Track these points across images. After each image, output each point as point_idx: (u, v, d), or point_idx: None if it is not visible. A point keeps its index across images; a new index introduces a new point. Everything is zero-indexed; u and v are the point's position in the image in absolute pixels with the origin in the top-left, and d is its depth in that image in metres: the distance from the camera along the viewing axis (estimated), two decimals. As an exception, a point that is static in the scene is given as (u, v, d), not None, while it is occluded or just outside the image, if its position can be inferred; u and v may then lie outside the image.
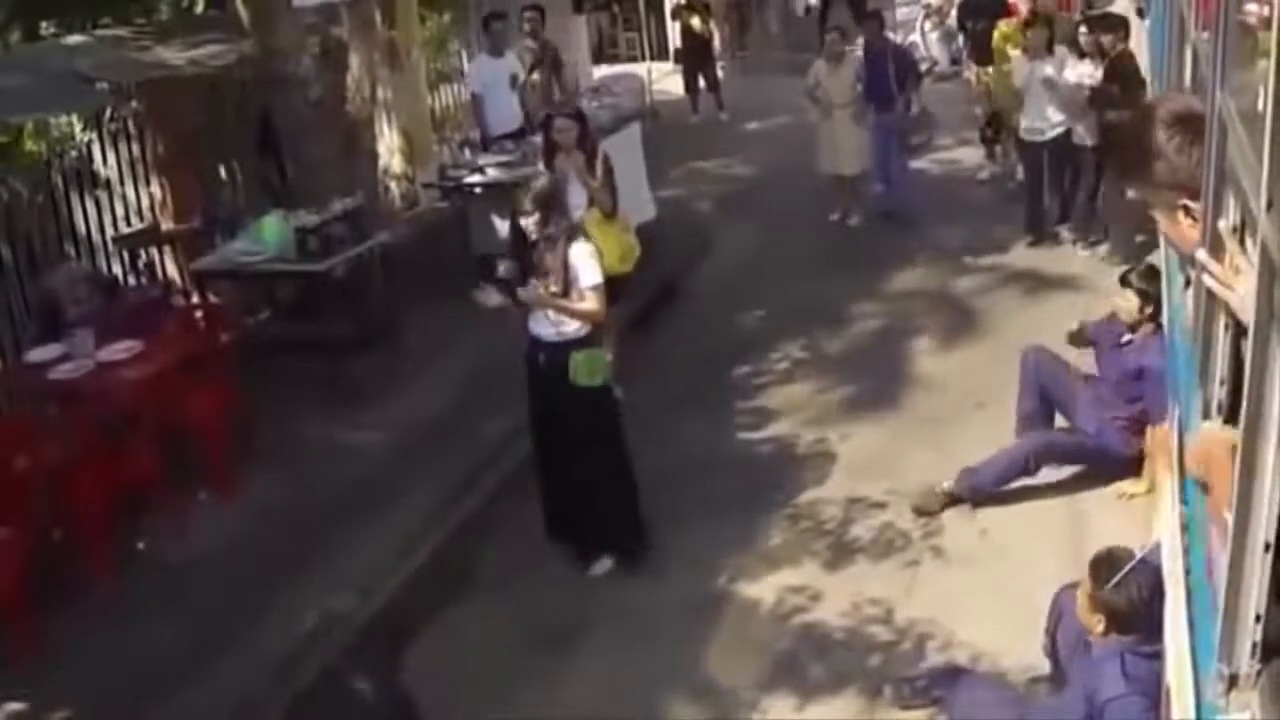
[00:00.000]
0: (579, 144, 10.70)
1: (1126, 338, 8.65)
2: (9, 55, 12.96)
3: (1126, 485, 8.80)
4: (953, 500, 8.91)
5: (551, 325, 8.02)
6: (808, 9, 27.13)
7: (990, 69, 16.42)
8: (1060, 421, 9.14)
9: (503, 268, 8.29)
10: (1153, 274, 8.30)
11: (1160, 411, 8.10)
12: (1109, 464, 8.95)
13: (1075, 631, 6.27)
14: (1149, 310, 8.32)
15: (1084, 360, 9.28)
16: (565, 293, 7.89)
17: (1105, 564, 5.99)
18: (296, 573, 8.46)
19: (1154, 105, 4.90)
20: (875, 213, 15.20)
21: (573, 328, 8.00)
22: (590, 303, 7.93)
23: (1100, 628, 5.93)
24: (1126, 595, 5.82)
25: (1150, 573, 5.59)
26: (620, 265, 10.66)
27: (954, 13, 22.44)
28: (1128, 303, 8.56)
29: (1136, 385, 8.52)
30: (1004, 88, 15.23)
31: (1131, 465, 8.85)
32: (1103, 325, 9.01)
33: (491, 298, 8.00)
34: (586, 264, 7.86)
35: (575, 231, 7.98)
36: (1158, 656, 5.13)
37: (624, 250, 10.81)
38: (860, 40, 15.45)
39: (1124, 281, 8.72)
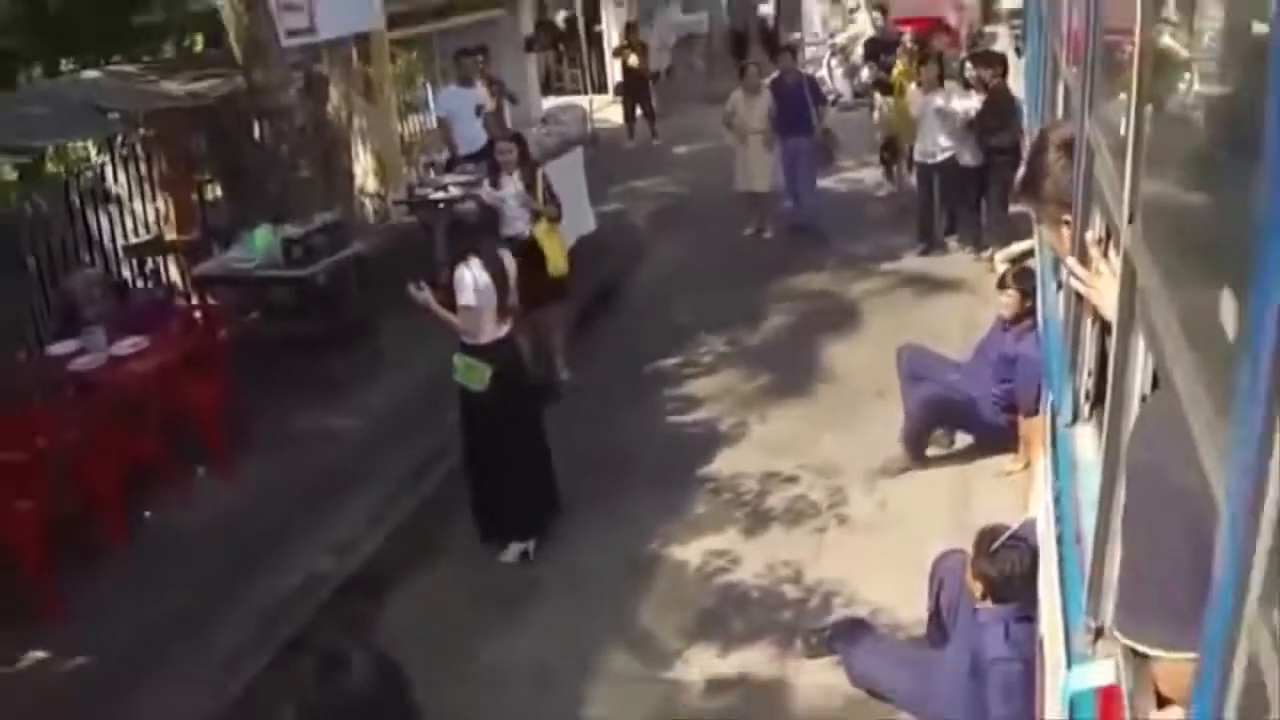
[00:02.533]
0: (520, 164, 10.68)
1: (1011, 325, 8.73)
2: (32, 88, 12.91)
3: (1006, 463, 8.88)
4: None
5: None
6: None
7: (890, 99, 16.49)
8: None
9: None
10: (1027, 275, 8.37)
11: (1027, 397, 8.22)
12: (981, 428, 9.12)
13: (958, 595, 6.30)
14: (1028, 305, 8.39)
15: (962, 351, 9.38)
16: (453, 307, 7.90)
17: (987, 537, 6.03)
18: (283, 540, 8.45)
19: (1047, 132, 4.93)
20: (785, 226, 15.21)
21: (464, 335, 7.97)
22: (460, 318, 7.88)
23: (980, 594, 5.97)
24: (1001, 566, 5.85)
25: (1028, 548, 5.63)
26: (564, 267, 10.83)
27: (859, 50, 22.60)
28: (1009, 299, 8.63)
29: (1009, 368, 8.59)
30: (901, 116, 15.28)
31: (1003, 439, 8.96)
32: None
33: (420, 296, 7.95)
34: (464, 287, 7.80)
35: (466, 256, 7.88)
36: (1034, 622, 5.15)
37: (558, 254, 10.84)
38: (774, 73, 15.43)
39: (1002, 284, 8.80)
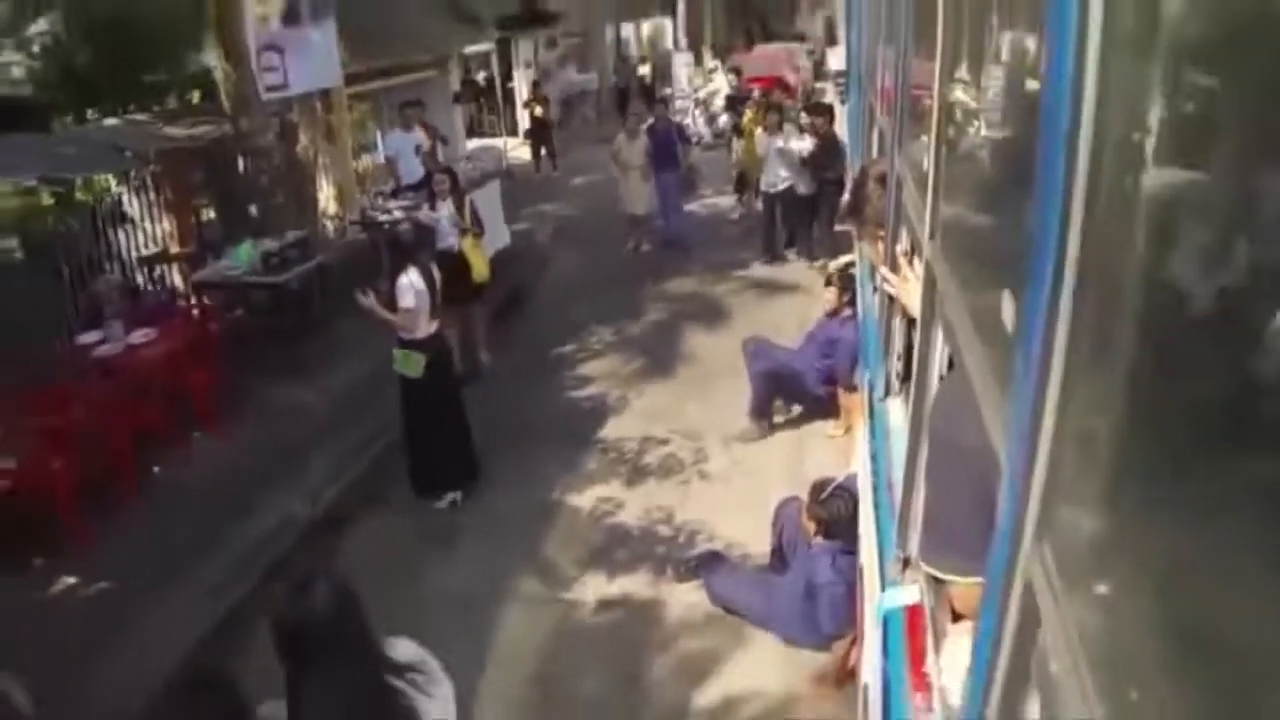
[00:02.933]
0: (451, 192, 10.60)
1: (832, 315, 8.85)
2: (64, 133, 12.98)
3: (829, 429, 8.99)
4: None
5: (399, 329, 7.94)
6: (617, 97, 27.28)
7: (742, 141, 16.63)
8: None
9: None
10: (846, 276, 8.49)
11: (845, 371, 8.36)
12: (808, 398, 9.23)
13: (795, 534, 6.34)
14: (845, 299, 8.53)
15: (795, 339, 9.44)
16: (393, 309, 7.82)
17: (819, 487, 6.09)
18: (263, 488, 8.41)
19: (866, 168, 4.97)
20: (659, 241, 15.20)
21: (402, 331, 7.87)
22: (399, 317, 7.78)
23: (814, 532, 6.01)
24: (831, 510, 5.90)
25: (851, 497, 5.69)
26: (486, 274, 10.84)
27: (718, 102, 22.70)
28: (831, 295, 8.76)
29: (832, 348, 8.73)
30: (750, 155, 15.36)
31: (826, 409, 9.13)
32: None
33: (365, 301, 7.85)
34: (404, 292, 7.71)
35: (405, 267, 7.79)
36: (856, 554, 5.20)
37: (486, 264, 10.95)
38: (650, 120, 15.43)
39: (827, 283, 8.91)
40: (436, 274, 8.12)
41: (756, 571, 6.88)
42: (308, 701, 2.99)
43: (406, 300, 7.71)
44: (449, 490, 8.33)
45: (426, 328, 7.92)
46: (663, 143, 14.92)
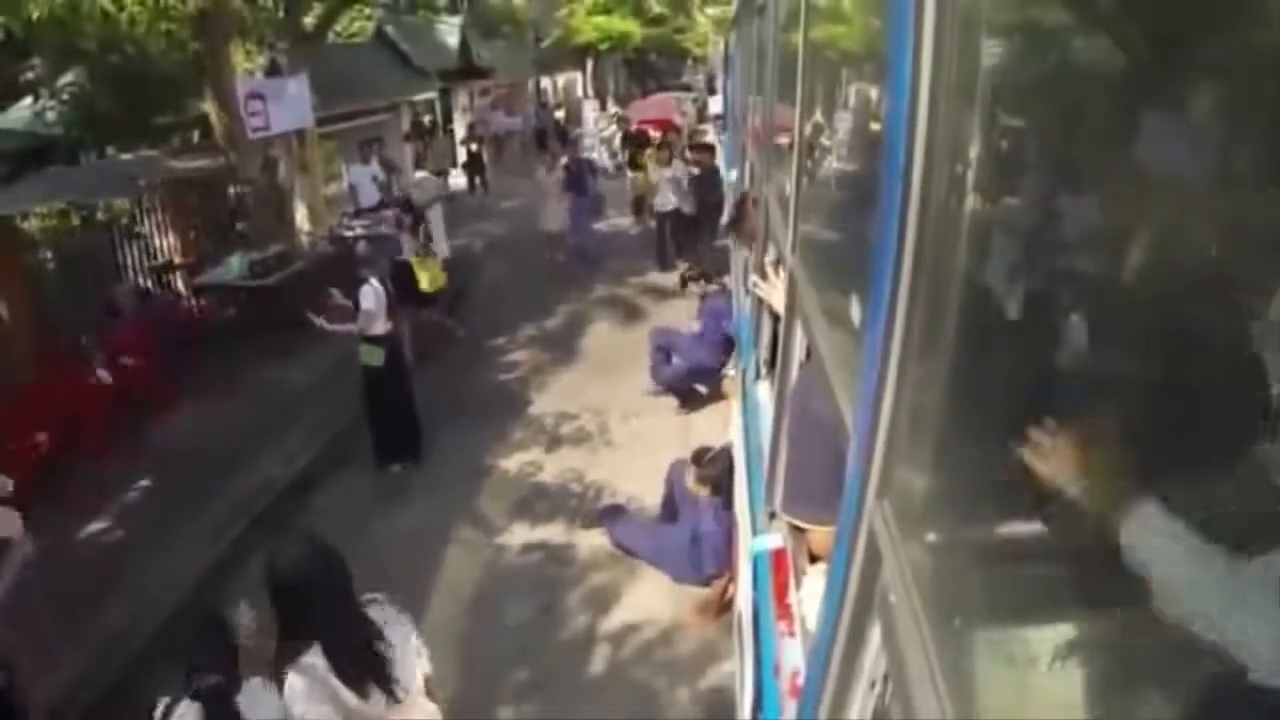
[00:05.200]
0: (413, 225, 10.96)
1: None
2: (90, 165, 13.10)
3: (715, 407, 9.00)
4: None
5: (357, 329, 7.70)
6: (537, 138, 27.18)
7: (639, 172, 16.65)
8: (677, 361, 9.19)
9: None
10: (697, 272, 8.80)
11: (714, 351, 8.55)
12: (698, 375, 9.08)
13: (682, 490, 6.34)
14: (703, 282, 9.11)
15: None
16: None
17: (700, 454, 6.11)
18: (250, 451, 8.30)
19: (746, 193, 4.99)
20: (572, 254, 15.10)
21: (364, 328, 7.61)
22: (361, 317, 7.52)
23: (702, 492, 6.02)
24: (713, 472, 5.92)
25: (729, 459, 5.70)
26: (434, 286, 10.95)
27: (618, 140, 22.65)
28: (692, 287, 9.16)
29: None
30: (645, 182, 15.37)
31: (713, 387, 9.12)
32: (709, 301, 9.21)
33: (316, 320, 7.68)
34: (366, 296, 7.50)
35: (366, 277, 7.62)
36: (732, 509, 5.21)
37: (435, 276, 11.02)
38: (564, 158, 15.29)
39: (682, 281, 9.10)
40: (389, 284, 7.98)
41: (650, 520, 6.88)
42: (304, 641, 2.99)
43: (367, 302, 7.54)
44: (401, 459, 8.21)
45: (383, 326, 7.73)
46: (577, 174, 14.84)
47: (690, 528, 5.96)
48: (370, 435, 8.20)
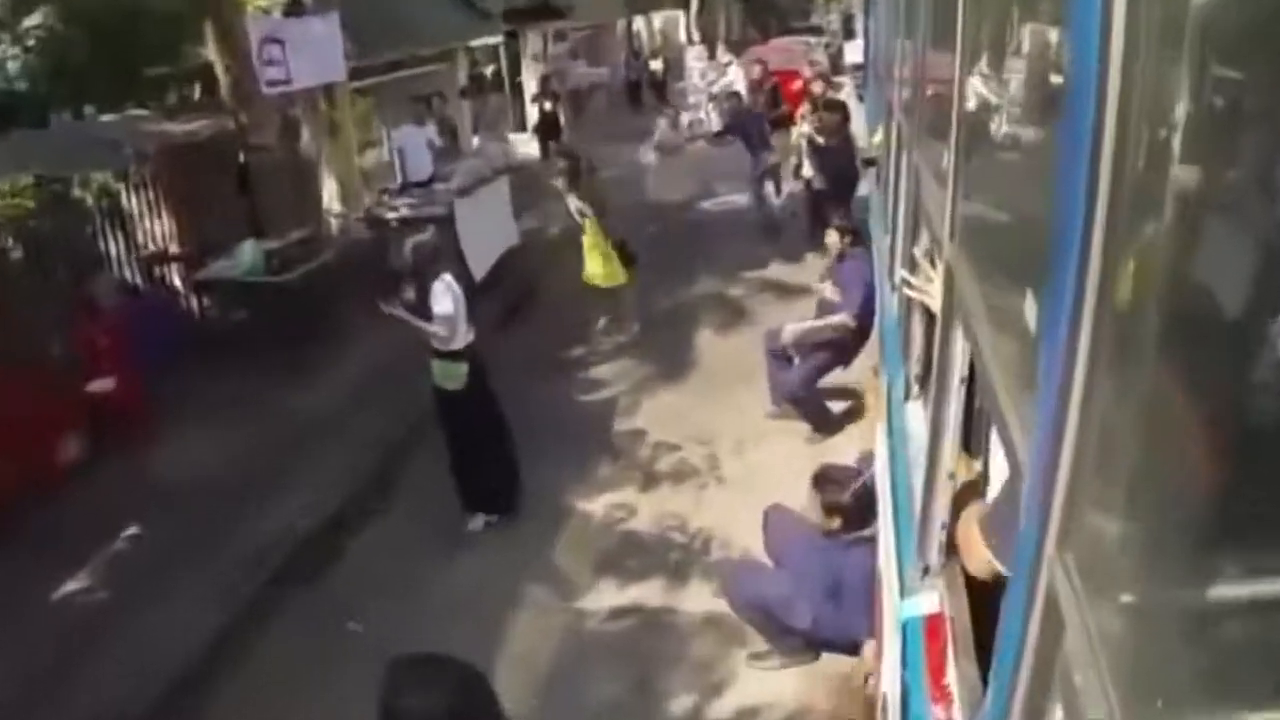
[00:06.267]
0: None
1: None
2: (62, 128, 12.88)
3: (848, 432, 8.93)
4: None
5: (434, 339, 7.52)
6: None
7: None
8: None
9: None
10: (847, 221, 9.11)
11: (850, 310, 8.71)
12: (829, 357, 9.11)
13: (803, 533, 6.11)
14: (848, 240, 8.93)
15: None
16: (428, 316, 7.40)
17: (825, 477, 5.95)
18: (261, 490, 8.46)
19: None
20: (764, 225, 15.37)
21: (438, 342, 7.47)
22: (435, 325, 7.35)
23: (833, 523, 5.82)
24: (841, 497, 5.72)
25: (862, 485, 5.56)
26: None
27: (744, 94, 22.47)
28: (833, 238, 9.02)
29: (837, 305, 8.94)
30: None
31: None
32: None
33: (396, 311, 7.58)
34: (440, 298, 7.31)
35: (438, 273, 7.41)
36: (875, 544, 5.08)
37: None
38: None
39: (832, 227, 9.16)
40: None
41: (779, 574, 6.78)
42: None
43: (444, 306, 7.29)
44: (493, 509, 8.07)
45: (465, 336, 7.53)
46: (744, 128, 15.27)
47: (829, 575, 5.75)
48: (453, 478, 8.05)
